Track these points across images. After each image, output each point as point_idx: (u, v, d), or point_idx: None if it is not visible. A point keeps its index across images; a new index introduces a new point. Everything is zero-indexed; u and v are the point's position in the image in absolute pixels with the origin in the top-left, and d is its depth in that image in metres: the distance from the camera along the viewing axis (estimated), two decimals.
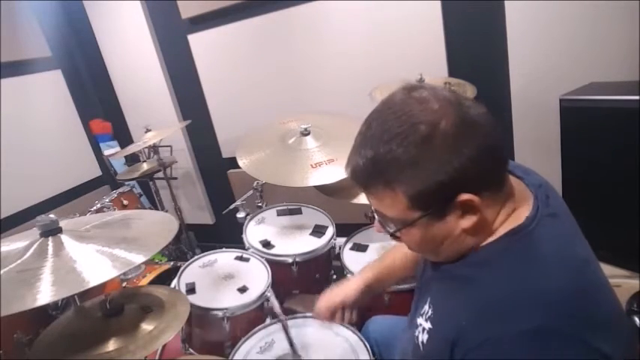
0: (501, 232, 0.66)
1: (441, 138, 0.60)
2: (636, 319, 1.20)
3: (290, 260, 1.62)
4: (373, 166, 0.65)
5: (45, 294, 0.87)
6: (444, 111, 0.61)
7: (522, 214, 0.66)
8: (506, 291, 0.60)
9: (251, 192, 1.92)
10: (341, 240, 1.73)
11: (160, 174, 2.59)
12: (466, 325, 0.61)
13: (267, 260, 1.65)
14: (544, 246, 0.63)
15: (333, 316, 1.07)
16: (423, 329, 0.73)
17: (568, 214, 0.73)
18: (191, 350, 1.56)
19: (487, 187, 0.64)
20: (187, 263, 1.68)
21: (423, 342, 0.72)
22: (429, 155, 0.61)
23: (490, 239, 0.67)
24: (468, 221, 0.64)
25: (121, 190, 2.48)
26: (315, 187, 1.68)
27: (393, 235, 0.71)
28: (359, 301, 1.07)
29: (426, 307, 0.75)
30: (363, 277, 1.09)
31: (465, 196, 0.61)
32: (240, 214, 1.86)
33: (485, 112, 0.65)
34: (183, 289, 1.53)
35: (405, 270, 1.09)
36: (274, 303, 1.24)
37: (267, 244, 1.72)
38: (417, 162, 0.61)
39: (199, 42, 2.64)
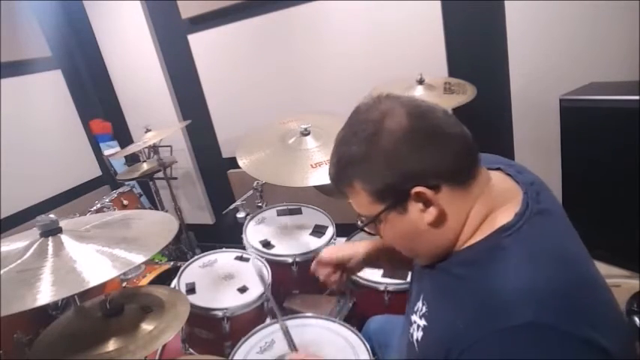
0: (488, 230, 0.67)
1: (387, 134, 0.65)
2: (636, 319, 1.20)
3: (290, 260, 1.62)
4: (338, 167, 0.73)
5: (45, 294, 0.86)
6: (393, 110, 0.67)
7: (510, 211, 0.67)
8: (497, 289, 0.60)
9: (251, 192, 1.92)
10: (341, 240, 1.73)
11: (160, 174, 2.59)
12: (460, 325, 0.61)
13: (267, 260, 1.65)
14: (534, 242, 0.63)
15: (334, 269, 1.07)
16: (418, 326, 0.73)
17: (560, 211, 0.73)
18: (191, 350, 1.56)
19: (446, 181, 0.66)
20: (187, 263, 1.68)
21: (417, 339, 0.73)
22: (377, 151, 0.66)
23: (479, 237, 0.67)
24: (429, 215, 0.67)
25: (121, 190, 2.48)
26: (315, 187, 1.68)
27: (367, 231, 0.76)
28: (361, 266, 1.08)
29: (419, 303, 0.75)
30: (367, 244, 1.09)
31: (416, 189, 0.65)
32: (240, 214, 1.86)
33: (450, 115, 0.70)
34: (183, 289, 1.53)
35: (400, 256, 1.07)
36: (274, 306, 1.23)
37: (267, 244, 1.72)
38: (368, 157, 0.67)
39: (199, 42, 2.64)
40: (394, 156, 0.65)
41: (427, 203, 0.66)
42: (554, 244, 0.65)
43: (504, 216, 0.67)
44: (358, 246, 1.09)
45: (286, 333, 1.14)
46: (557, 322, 0.55)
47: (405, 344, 0.78)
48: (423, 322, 0.72)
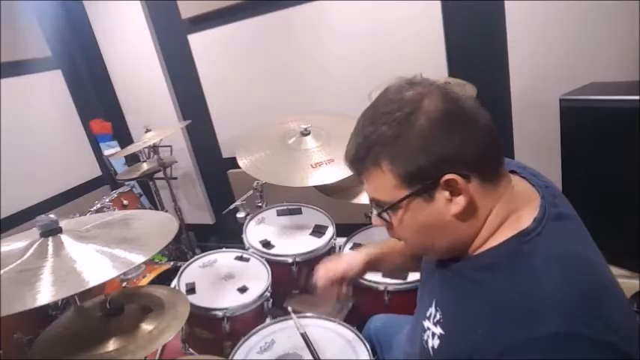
0: (508, 234, 0.65)
1: (425, 116, 0.63)
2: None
3: (290, 260, 1.62)
4: (363, 147, 0.68)
5: (45, 294, 0.87)
6: (429, 91, 0.65)
7: (529, 215, 0.65)
8: (522, 296, 0.59)
9: (251, 192, 1.92)
10: (341, 240, 1.73)
11: (160, 174, 2.59)
12: (482, 335, 0.60)
13: (267, 260, 1.65)
14: (554, 248, 0.62)
15: (333, 286, 1.05)
16: (433, 334, 0.71)
17: (575, 215, 0.72)
18: (191, 350, 1.56)
19: (475, 171, 0.64)
20: (187, 263, 1.68)
21: (433, 347, 0.71)
22: (412, 132, 0.63)
23: (498, 241, 0.66)
24: (456, 206, 0.65)
25: (121, 190, 2.48)
26: (315, 187, 1.68)
27: (382, 218, 0.72)
28: (359, 275, 1.07)
29: (432, 309, 0.74)
30: (364, 252, 1.08)
31: (449, 176, 0.62)
32: (240, 214, 1.86)
33: (479, 105, 0.67)
34: (183, 289, 1.53)
35: (404, 257, 1.06)
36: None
37: (267, 244, 1.72)
38: (401, 138, 0.63)
39: (199, 42, 2.64)
40: (430, 138, 0.62)
41: (456, 192, 0.64)
42: (573, 249, 0.64)
43: (521, 220, 0.66)
44: (354, 255, 1.08)
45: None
46: (584, 330, 0.54)
47: (418, 350, 0.76)
48: (439, 330, 0.70)
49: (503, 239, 0.65)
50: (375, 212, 0.73)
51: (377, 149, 0.66)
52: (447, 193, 0.64)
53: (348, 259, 1.07)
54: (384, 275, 1.47)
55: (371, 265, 1.07)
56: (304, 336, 1.17)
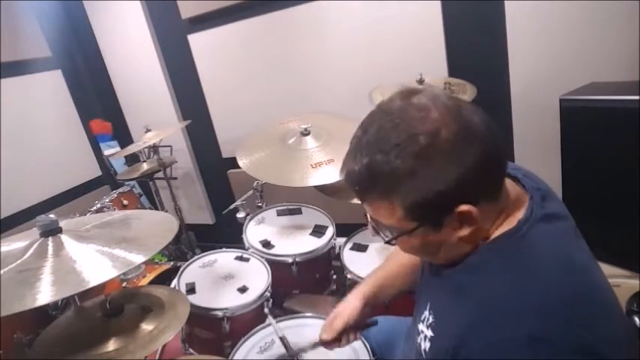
0: (495, 234, 0.66)
1: (440, 149, 0.59)
2: (636, 319, 1.20)
3: (290, 260, 1.62)
4: (369, 174, 0.63)
5: (45, 294, 0.87)
6: (443, 120, 0.59)
7: (516, 217, 0.66)
8: (499, 297, 0.59)
9: (251, 192, 1.92)
10: (341, 240, 1.73)
11: (160, 174, 2.59)
12: (464, 334, 0.60)
13: (267, 260, 1.65)
14: (537, 249, 0.62)
15: (338, 341, 1.04)
16: (425, 337, 0.72)
17: (566, 216, 0.72)
18: (191, 350, 1.56)
19: (486, 196, 0.63)
20: (187, 263, 1.68)
21: (425, 350, 0.72)
22: (428, 166, 0.59)
23: (484, 242, 0.66)
24: (464, 231, 0.63)
25: (121, 190, 2.48)
26: (315, 187, 1.68)
27: (389, 242, 0.71)
28: (361, 321, 1.05)
29: (426, 312, 0.74)
30: (362, 295, 1.05)
31: (463, 207, 0.60)
32: (240, 214, 1.86)
33: (486, 118, 0.63)
34: (183, 289, 1.53)
35: (404, 280, 1.06)
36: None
37: (267, 244, 1.72)
38: (416, 173, 0.59)
39: (199, 42, 2.64)
40: (446, 173, 0.59)
41: (467, 221, 0.62)
42: (558, 251, 0.63)
43: (507, 221, 0.66)
44: (351, 301, 1.05)
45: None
46: (555, 334, 0.54)
47: (414, 353, 0.77)
48: (430, 333, 0.71)
49: (491, 239, 0.66)
50: (371, 227, 0.73)
51: (388, 182, 0.61)
52: (456, 222, 0.63)
53: (345, 312, 1.04)
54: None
55: (370, 304, 1.05)
56: (283, 340, 1.17)
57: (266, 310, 1.45)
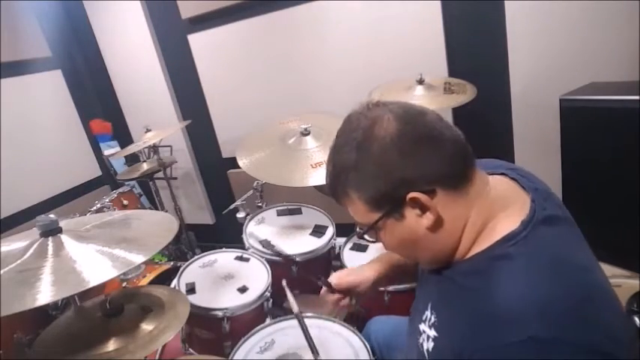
0: (490, 237, 0.66)
1: (377, 142, 0.65)
2: (636, 319, 1.20)
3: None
4: (333, 176, 0.72)
5: (45, 294, 0.87)
6: (379, 116, 0.67)
7: (515, 218, 0.66)
8: (501, 301, 0.59)
9: (251, 192, 1.92)
10: (341, 240, 1.73)
11: (160, 174, 2.59)
12: (466, 337, 0.61)
13: (267, 260, 1.65)
14: (539, 252, 0.63)
15: (343, 295, 1.06)
16: (428, 337, 0.72)
17: (568, 218, 0.72)
18: (191, 350, 1.56)
19: (440, 186, 0.66)
20: (187, 263, 1.68)
21: (428, 350, 0.72)
22: (368, 159, 0.66)
23: (483, 246, 0.67)
24: (427, 220, 0.67)
25: (121, 190, 2.48)
26: (315, 187, 1.68)
27: (364, 238, 0.76)
28: (370, 290, 1.07)
29: (428, 312, 0.74)
30: (376, 270, 1.07)
31: (411, 195, 0.65)
32: (240, 214, 1.86)
33: (441, 118, 0.69)
34: (183, 289, 1.53)
35: (410, 271, 1.06)
36: (291, 300, 1.18)
37: (267, 244, 1.72)
38: (359, 166, 0.67)
39: (199, 42, 2.64)
40: (385, 163, 0.65)
41: (423, 208, 0.66)
42: (561, 253, 0.64)
43: (507, 222, 0.66)
44: (367, 270, 1.08)
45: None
46: (560, 336, 0.55)
47: (415, 353, 0.77)
48: (433, 333, 0.71)
49: (490, 243, 0.66)
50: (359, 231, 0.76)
51: (342, 178, 0.70)
52: (416, 210, 0.67)
53: (361, 275, 1.06)
54: None
55: (382, 280, 1.08)
56: (298, 316, 1.12)
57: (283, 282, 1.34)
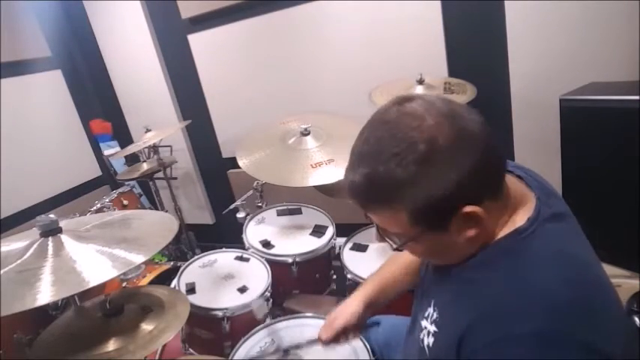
0: (502, 233, 0.66)
1: (439, 154, 0.60)
2: (636, 319, 1.20)
3: (290, 260, 1.62)
4: (371, 184, 0.64)
5: (45, 294, 0.87)
6: (439, 126, 0.61)
7: (524, 214, 0.66)
8: (509, 293, 0.60)
9: (251, 192, 1.92)
10: (341, 240, 1.73)
11: (160, 174, 2.59)
12: (470, 326, 0.61)
13: (267, 260, 1.65)
14: (546, 247, 0.63)
15: (337, 341, 1.04)
16: (429, 332, 0.73)
17: (570, 214, 0.73)
18: (191, 350, 1.56)
19: (488, 195, 0.64)
20: (187, 263, 1.68)
21: (428, 345, 0.72)
22: (428, 172, 0.60)
23: (491, 240, 0.67)
24: (472, 231, 0.64)
25: (121, 190, 2.49)
26: (315, 187, 1.68)
27: (397, 249, 0.72)
28: (361, 323, 1.05)
29: (430, 309, 0.74)
30: (363, 297, 1.06)
31: (468, 209, 0.61)
32: (240, 214, 1.86)
33: (481, 119, 0.64)
34: (183, 289, 1.53)
35: (404, 281, 1.07)
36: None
37: (267, 244, 1.72)
38: (417, 180, 0.61)
39: (199, 42, 2.64)
40: (447, 177, 0.60)
41: (474, 221, 0.63)
42: (566, 249, 0.64)
43: (517, 219, 0.66)
44: (352, 305, 1.05)
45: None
46: (564, 329, 0.55)
47: (416, 350, 0.77)
48: (434, 328, 0.72)
49: (499, 237, 0.66)
50: (378, 234, 0.73)
51: (391, 190, 0.62)
52: (462, 223, 0.63)
53: (346, 312, 1.04)
54: None
55: (372, 307, 1.06)
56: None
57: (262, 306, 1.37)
